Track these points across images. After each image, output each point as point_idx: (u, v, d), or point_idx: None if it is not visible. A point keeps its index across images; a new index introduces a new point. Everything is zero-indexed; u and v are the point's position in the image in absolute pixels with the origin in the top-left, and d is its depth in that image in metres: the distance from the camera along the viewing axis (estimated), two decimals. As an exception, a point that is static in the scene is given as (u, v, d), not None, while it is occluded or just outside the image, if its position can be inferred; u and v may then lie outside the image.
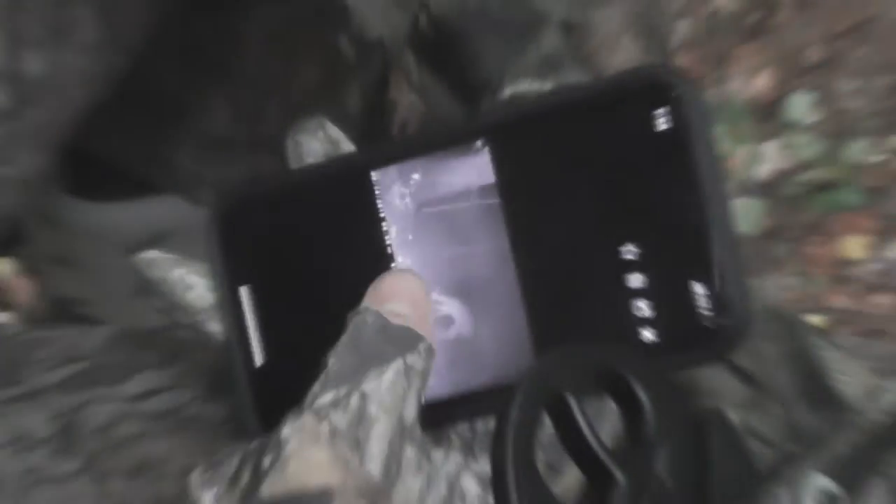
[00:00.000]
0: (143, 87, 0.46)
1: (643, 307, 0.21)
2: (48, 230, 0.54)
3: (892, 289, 0.64)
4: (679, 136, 0.20)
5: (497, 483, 0.17)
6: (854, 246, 0.66)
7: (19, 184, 0.38)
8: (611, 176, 0.21)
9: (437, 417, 0.22)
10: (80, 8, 0.36)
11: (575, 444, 0.18)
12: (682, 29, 0.60)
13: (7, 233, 0.43)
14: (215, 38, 0.50)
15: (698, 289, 0.20)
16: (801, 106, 0.66)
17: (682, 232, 0.20)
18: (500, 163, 0.23)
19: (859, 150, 0.65)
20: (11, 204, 0.38)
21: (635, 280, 0.21)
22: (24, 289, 0.55)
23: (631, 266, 0.21)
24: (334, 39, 0.51)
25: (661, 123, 0.20)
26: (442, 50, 0.40)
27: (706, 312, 0.20)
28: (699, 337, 0.20)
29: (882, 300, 0.64)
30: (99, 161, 0.55)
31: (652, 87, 0.21)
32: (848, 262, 0.66)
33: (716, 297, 0.19)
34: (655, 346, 0.20)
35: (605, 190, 0.21)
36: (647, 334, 0.21)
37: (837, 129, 0.65)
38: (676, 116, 0.20)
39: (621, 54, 0.36)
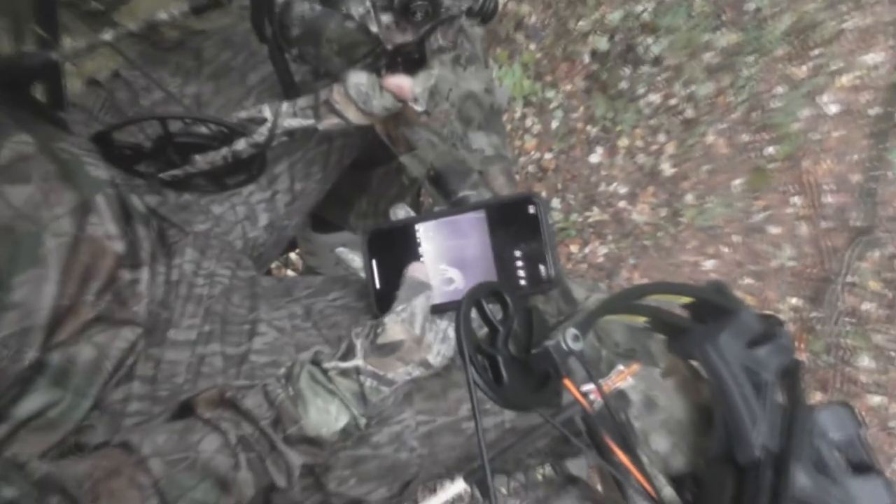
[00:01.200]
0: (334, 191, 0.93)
1: (523, 273, 0.54)
2: (304, 242, 1.10)
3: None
4: (537, 216, 0.53)
5: (457, 337, 0.51)
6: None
7: (296, 228, 0.84)
8: (517, 227, 0.55)
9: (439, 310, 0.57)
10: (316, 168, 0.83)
11: (484, 320, 0.52)
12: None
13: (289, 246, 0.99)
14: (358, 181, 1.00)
15: (543, 269, 0.53)
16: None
17: (538, 248, 0.53)
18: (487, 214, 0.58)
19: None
20: (292, 232, 0.86)
21: (520, 262, 0.54)
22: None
23: (519, 258, 0.54)
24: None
25: (531, 210, 0.53)
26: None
27: (546, 275, 0.52)
28: (543, 284, 0.53)
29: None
30: (324, 218, 1.07)
31: (528, 198, 0.54)
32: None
33: (549, 271, 0.52)
34: (527, 286, 0.53)
35: (514, 233, 0.55)
36: (524, 283, 0.54)
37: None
38: (537, 208, 0.53)
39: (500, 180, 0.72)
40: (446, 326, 0.56)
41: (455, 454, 0.70)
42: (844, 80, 2.08)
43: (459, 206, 0.59)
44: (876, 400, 1.87)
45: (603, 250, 2.14)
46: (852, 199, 1.97)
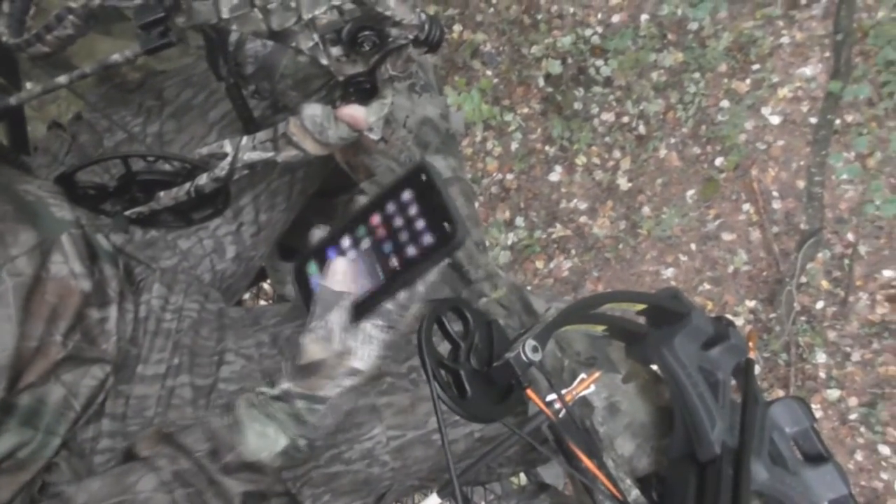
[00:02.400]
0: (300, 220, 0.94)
1: (430, 236, 0.53)
2: (273, 272, 1.09)
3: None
4: (431, 179, 0.51)
5: (420, 354, 0.53)
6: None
7: (264, 258, 0.84)
8: (417, 197, 0.54)
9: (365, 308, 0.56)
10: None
11: (445, 336, 0.54)
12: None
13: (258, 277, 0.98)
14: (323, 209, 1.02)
15: (447, 224, 0.52)
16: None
17: (439, 207, 0.51)
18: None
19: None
20: (260, 262, 0.86)
21: (424, 225, 0.53)
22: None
23: (423, 223, 0.53)
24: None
25: (424, 177, 0.52)
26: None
27: (451, 229, 0.51)
28: (451, 237, 0.52)
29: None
30: (291, 246, 1.07)
31: (419, 166, 0.54)
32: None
33: (453, 224, 0.51)
34: (436, 243, 0.52)
35: (416, 204, 0.54)
36: (433, 241, 0.52)
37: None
38: (428, 173, 0.52)
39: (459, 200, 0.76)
40: (369, 328, 0.53)
41: (427, 465, 0.72)
42: (784, 92, 2.17)
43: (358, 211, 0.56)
44: (834, 394, 1.93)
45: (567, 264, 2.18)
46: (799, 204, 2.05)
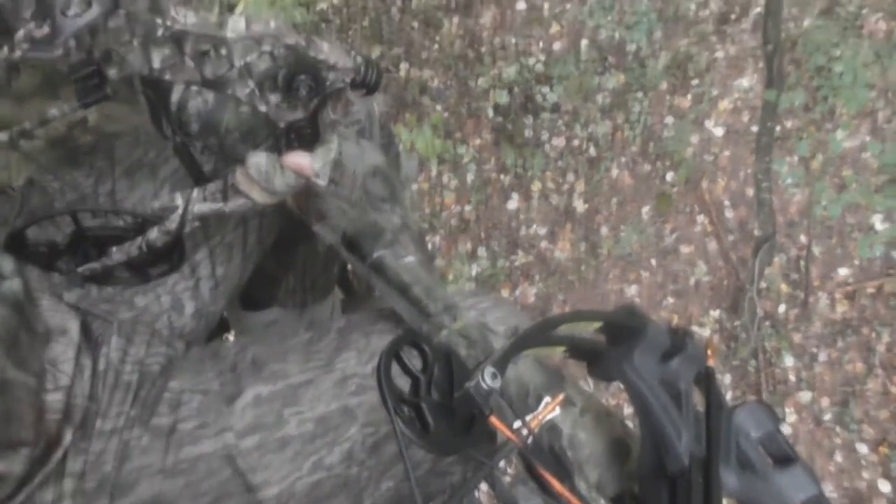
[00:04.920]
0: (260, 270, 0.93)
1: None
2: (236, 322, 1.07)
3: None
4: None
5: (380, 392, 0.53)
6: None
7: (224, 310, 0.83)
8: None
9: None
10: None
11: (404, 371, 0.54)
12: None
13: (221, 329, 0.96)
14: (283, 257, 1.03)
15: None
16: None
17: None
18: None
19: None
20: (219, 315, 0.85)
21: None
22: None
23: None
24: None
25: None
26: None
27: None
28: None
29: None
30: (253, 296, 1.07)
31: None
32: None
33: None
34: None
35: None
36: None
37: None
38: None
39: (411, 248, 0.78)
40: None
41: (401, 467, 0.71)
42: (724, 104, 2.25)
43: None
44: (807, 397, 1.96)
45: (532, 291, 2.20)
46: (751, 211, 2.10)
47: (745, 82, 2.28)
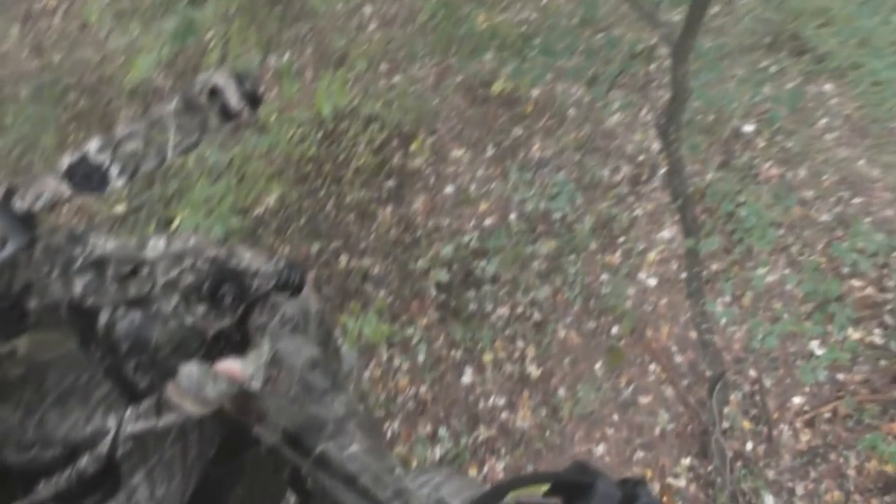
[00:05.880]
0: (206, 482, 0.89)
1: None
2: None
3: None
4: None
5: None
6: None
7: None
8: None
9: None
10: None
11: None
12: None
13: None
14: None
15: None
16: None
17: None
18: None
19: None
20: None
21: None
22: None
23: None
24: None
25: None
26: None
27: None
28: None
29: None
30: None
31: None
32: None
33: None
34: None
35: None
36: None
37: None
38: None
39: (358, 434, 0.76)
40: None
41: None
42: (652, 256, 2.38)
43: None
44: (796, 536, 1.89)
45: (500, 465, 2.13)
46: (698, 354, 2.15)
47: (666, 234, 2.44)
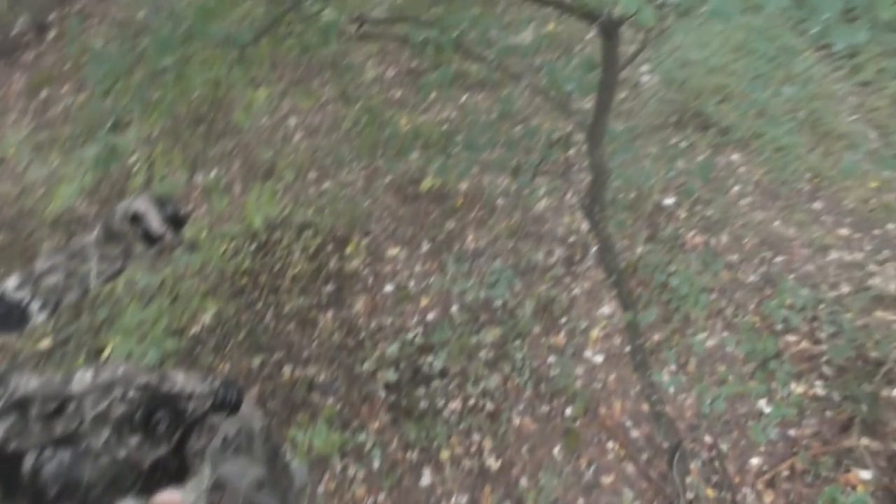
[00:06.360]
0: None
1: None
2: None
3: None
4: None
5: None
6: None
7: None
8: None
9: None
10: None
11: None
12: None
13: None
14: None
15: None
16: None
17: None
18: None
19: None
20: None
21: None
22: None
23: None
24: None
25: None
26: None
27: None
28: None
29: None
30: None
31: None
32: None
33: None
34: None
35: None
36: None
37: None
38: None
39: None
40: None
41: None
42: (595, 333, 2.41)
43: None
44: None
45: (470, 570, 2.03)
46: (652, 426, 2.15)
47: (606, 310, 2.48)
